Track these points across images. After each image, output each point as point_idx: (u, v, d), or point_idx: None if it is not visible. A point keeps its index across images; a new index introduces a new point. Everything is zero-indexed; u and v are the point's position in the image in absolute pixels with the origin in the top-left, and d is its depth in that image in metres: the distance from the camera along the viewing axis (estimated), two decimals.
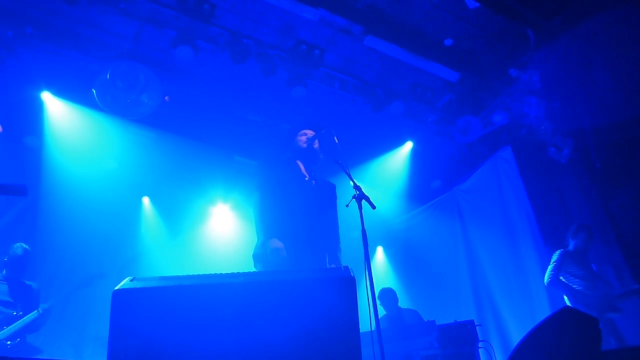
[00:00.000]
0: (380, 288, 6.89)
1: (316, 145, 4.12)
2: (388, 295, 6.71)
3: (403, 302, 7.03)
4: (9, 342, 4.60)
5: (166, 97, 5.79)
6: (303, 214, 3.78)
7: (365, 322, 2.59)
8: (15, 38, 5.37)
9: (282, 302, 2.01)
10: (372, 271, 2.95)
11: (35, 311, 4.82)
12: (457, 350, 4.63)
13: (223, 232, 8.73)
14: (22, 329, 4.75)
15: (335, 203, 4.15)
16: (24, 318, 4.74)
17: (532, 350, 1.97)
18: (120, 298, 1.98)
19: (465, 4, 5.57)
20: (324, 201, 4.04)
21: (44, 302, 4.98)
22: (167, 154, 7.25)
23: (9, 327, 4.63)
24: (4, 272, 5.05)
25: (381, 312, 6.52)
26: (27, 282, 5.18)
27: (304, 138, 4.13)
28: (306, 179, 4.01)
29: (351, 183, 3.38)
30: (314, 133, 4.13)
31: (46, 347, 5.36)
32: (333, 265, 3.75)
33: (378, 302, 6.52)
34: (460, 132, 7.12)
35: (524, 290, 6.62)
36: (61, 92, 6.26)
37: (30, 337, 5.03)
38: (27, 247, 5.19)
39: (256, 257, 3.67)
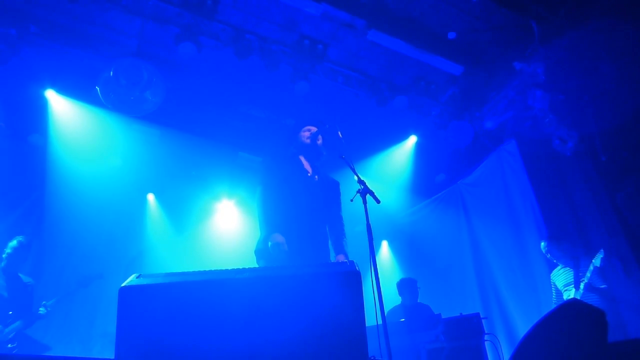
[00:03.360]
0: (401, 277, 6.84)
1: (319, 141, 4.11)
2: (409, 285, 6.60)
3: None
4: (9, 345, 4.61)
5: None
6: (305, 209, 3.79)
7: (371, 315, 2.60)
8: (19, 36, 5.38)
9: (288, 297, 2.02)
10: (378, 265, 2.95)
11: (42, 308, 4.84)
12: (463, 343, 4.64)
13: (228, 228, 8.74)
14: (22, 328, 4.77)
15: (339, 199, 4.15)
16: (21, 324, 4.74)
17: (538, 342, 1.97)
18: (127, 295, 2.00)
19: None
20: (327, 197, 4.04)
21: (44, 299, 5.00)
22: (172, 150, 7.26)
23: (9, 329, 4.63)
24: (2, 265, 5.05)
25: (390, 304, 6.48)
26: (24, 278, 5.18)
27: (307, 134, 4.13)
28: (309, 174, 4.01)
29: (355, 178, 3.38)
30: (317, 129, 4.12)
31: (55, 344, 5.40)
32: (341, 256, 3.76)
33: (397, 291, 6.55)
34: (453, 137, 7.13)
35: (529, 282, 6.61)
36: (65, 90, 6.27)
37: (39, 334, 5.05)
38: (23, 240, 5.18)
39: (258, 253, 3.67)
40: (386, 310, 2.89)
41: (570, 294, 5.23)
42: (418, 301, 6.54)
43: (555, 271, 5.65)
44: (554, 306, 5.50)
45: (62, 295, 5.12)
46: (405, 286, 6.56)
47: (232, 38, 5.74)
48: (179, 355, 1.91)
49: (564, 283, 5.44)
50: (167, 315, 1.98)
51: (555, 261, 5.66)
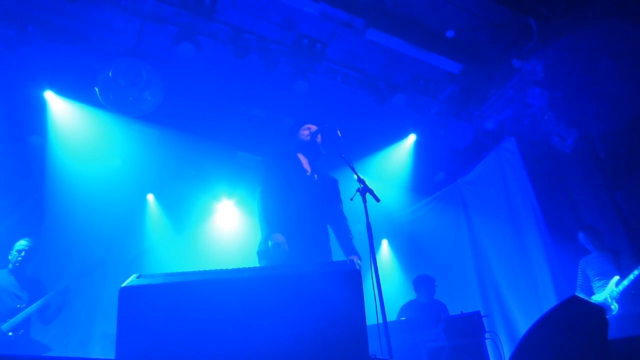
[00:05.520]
0: (418, 274, 6.79)
1: (319, 139, 4.11)
2: (426, 282, 6.53)
3: (410, 295, 6.97)
4: (10, 333, 4.64)
5: None
6: (306, 209, 3.78)
7: (372, 314, 2.60)
8: (17, 37, 5.37)
9: (288, 296, 2.01)
10: (378, 264, 2.95)
11: (43, 298, 4.87)
12: (464, 341, 4.63)
13: (228, 228, 8.74)
14: (28, 319, 4.79)
15: (339, 196, 4.15)
16: (29, 307, 4.78)
17: (538, 340, 1.97)
18: (127, 295, 2.00)
19: None
20: (327, 195, 4.04)
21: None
22: (171, 150, 7.26)
23: (12, 319, 4.67)
24: (10, 265, 5.07)
25: (390, 302, 6.44)
26: (32, 276, 5.21)
27: (306, 132, 4.12)
28: (308, 173, 4.01)
29: (355, 176, 3.37)
30: (316, 128, 4.12)
31: (55, 345, 5.40)
32: (354, 257, 3.75)
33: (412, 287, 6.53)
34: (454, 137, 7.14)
35: (530, 280, 6.61)
36: (64, 90, 6.27)
37: (39, 335, 5.06)
38: (31, 241, 5.20)
39: (260, 254, 3.67)
40: (387, 308, 2.88)
41: (604, 285, 5.27)
42: (435, 298, 6.53)
43: (588, 257, 5.62)
44: (578, 290, 5.53)
45: (69, 282, 5.13)
46: (422, 283, 6.51)
47: (230, 38, 5.74)
48: (180, 356, 1.91)
49: (597, 272, 5.45)
50: (168, 315, 1.97)
51: (590, 248, 5.62)
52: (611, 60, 5.77)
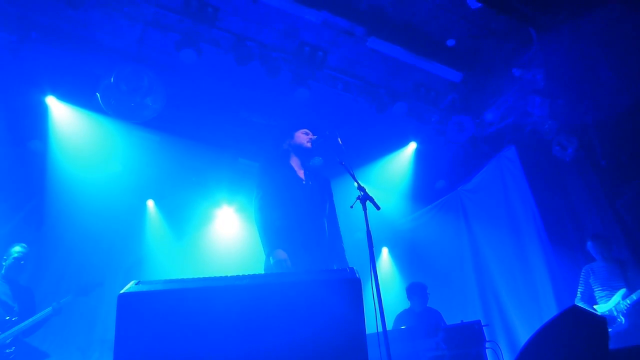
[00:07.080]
0: (411, 282, 6.77)
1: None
2: (418, 290, 6.51)
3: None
4: (13, 348, 4.58)
5: None
6: (305, 220, 3.76)
7: (372, 323, 2.59)
8: (20, 42, 5.39)
9: (288, 304, 2.01)
10: (378, 272, 2.94)
11: (38, 315, 4.80)
12: (464, 351, 4.61)
13: (228, 235, 8.73)
14: (24, 332, 4.74)
15: (332, 198, 4.14)
16: (24, 322, 4.71)
17: (539, 349, 1.96)
18: (126, 301, 1.99)
19: (467, 3, 5.56)
20: (323, 201, 4.03)
21: (44, 306, 4.97)
22: (172, 156, 7.26)
23: (7, 333, 4.59)
24: (3, 271, 5.03)
25: (390, 311, 6.42)
26: (24, 285, 5.17)
27: (306, 137, 4.10)
28: (303, 182, 4.00)
29: (355, 184, 3.36)
30: (315, 137, 4.11)
31: (53, 351, 5.37)
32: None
33: (405, 295, 6.49)
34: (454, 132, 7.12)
35: (530, 289, 6.59)
36: (66, 96, 6.28)
37: (37, 341, 5.03)
38: (25, 247, 5.17)
39: (267, 271, 3.66)
40: (387, 317, 2.87)
41: (607, 296, 5.24)
42: (428, 306, 6.50)
43: (593, 265, 5.55)
44: (579, 296, 5.47)
45: (71, 297, 5.06)
46: (415, 291, 6.49)
47: (232, 45, 5.76)
48: None
49: (601, 281, 5.38)
50: (167, 322, 1.97)
51: (597, 257, 5.54)
52: (611, 68, 5.78)
